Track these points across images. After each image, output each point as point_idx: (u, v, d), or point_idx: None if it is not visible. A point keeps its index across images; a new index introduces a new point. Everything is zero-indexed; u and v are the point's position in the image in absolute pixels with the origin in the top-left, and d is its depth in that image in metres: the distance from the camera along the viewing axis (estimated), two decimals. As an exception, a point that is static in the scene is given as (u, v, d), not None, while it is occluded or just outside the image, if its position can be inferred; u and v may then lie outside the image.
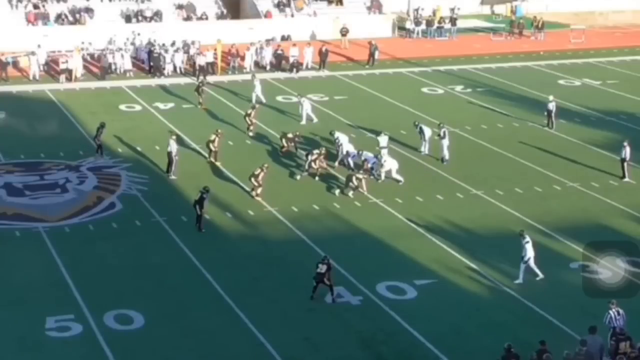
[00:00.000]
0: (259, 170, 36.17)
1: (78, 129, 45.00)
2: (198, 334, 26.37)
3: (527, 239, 29.68)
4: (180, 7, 64.64)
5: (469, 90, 54.24)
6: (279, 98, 51.32)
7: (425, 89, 54.70)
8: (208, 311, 27.81)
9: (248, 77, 52.17)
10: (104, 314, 27.24)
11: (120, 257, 31.44)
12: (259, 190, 36.18)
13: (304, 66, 58.13)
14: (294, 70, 57.12)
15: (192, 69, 55.91)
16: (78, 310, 27.49)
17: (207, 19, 64.41)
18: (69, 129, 45.20)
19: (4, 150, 41.61)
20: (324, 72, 57.88)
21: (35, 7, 61.92)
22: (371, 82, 55.70)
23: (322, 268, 28.12)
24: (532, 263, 29.49)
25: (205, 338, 26.18)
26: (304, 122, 45.71)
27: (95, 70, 55.97)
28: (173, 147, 38.68)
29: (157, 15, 63.18)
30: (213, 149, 40.41)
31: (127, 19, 62.65)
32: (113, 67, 55.85)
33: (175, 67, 56.37)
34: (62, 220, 34.26)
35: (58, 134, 44.26)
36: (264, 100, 49.43)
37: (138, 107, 49.25)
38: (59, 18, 61.37)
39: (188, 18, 64.10)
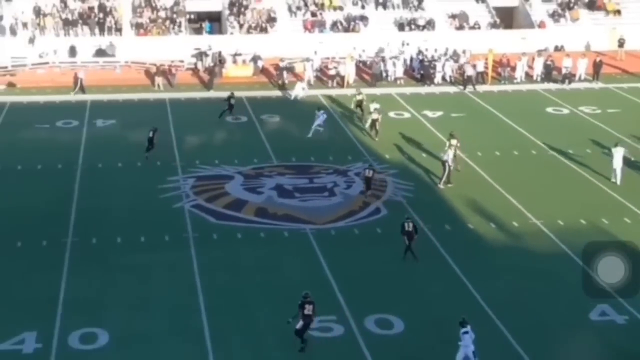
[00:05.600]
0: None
1: (347, 134, 45.95)
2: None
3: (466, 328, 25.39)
4: (453, 16, 64.65)
5: None
6: (549, 109, 50.44)
7: None
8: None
9: (518, 87, 51.33)
10: (364, 317, 27.63)
11: (383, 262, 31.67)
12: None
13: (577, 77, 56.80)
14: (566, 81, 55.91)
15: (462, 78, 55.91)
16: (340, 312, 28.00)
17: (479, 28, 64.12)
18: (339, 133, 46.14)
19: (276, 152, 43.13)
20: (597, 84, 56.31)
21: (313, 14, 63.77)
22: (648, 96, 53.75)
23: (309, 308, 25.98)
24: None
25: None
26: (310, 135, 44.88)
27: (366, 77, 57.04)
28: (449, 155, 38.82)
29: (429, 24, 63.53)
30: (377, 127, 44.33)
31: (400, 27, 63.36)
32: (384, 74, 56.80)
33: (444, 76, 56.56)
34: (328, 223, 35.13)
35: (328, 139, 45.22)
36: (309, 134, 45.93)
37: (407, 115, 49.73)
38: (334, 26, 62.90)
39: (460, 27, 64.05)
